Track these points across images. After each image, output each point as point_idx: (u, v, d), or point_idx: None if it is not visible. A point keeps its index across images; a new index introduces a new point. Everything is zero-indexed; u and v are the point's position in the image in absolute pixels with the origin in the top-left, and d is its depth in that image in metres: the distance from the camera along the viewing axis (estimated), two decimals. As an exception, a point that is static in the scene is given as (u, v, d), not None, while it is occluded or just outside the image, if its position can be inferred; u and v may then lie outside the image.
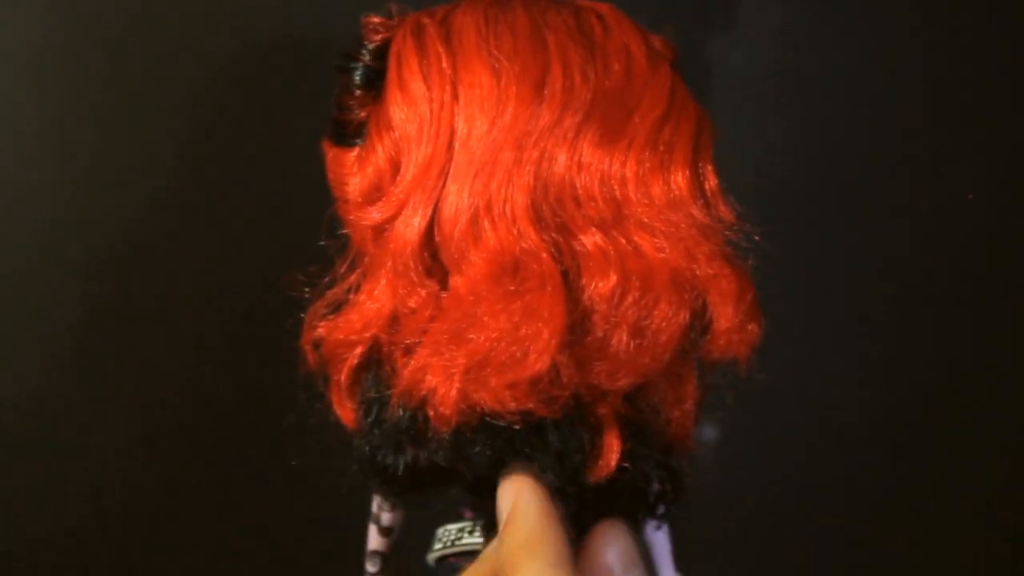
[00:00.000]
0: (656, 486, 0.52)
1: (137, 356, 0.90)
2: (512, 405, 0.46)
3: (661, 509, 0.53)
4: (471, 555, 0.59)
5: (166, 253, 0.88)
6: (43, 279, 0.89)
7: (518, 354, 0.46)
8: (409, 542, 0.63)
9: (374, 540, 0.63)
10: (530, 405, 0.46)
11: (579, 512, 0.51)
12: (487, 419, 0.47)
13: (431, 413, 0.48)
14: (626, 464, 0.50)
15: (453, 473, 0.50)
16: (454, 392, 0.47)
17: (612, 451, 0.49)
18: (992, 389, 0.94)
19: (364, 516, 0.63)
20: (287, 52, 0.85)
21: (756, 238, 0.51)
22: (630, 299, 0.48)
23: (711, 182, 0.52)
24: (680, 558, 0.64)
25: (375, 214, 0.51)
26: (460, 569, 0.59)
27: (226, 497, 0.92)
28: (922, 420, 0.94)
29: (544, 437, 0.48)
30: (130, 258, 0.89)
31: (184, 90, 0.86)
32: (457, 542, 0.59)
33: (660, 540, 0.63)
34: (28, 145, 0.87)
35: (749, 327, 0.51)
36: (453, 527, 0.60)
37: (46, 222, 0.88)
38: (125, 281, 0.89)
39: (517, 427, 0.47)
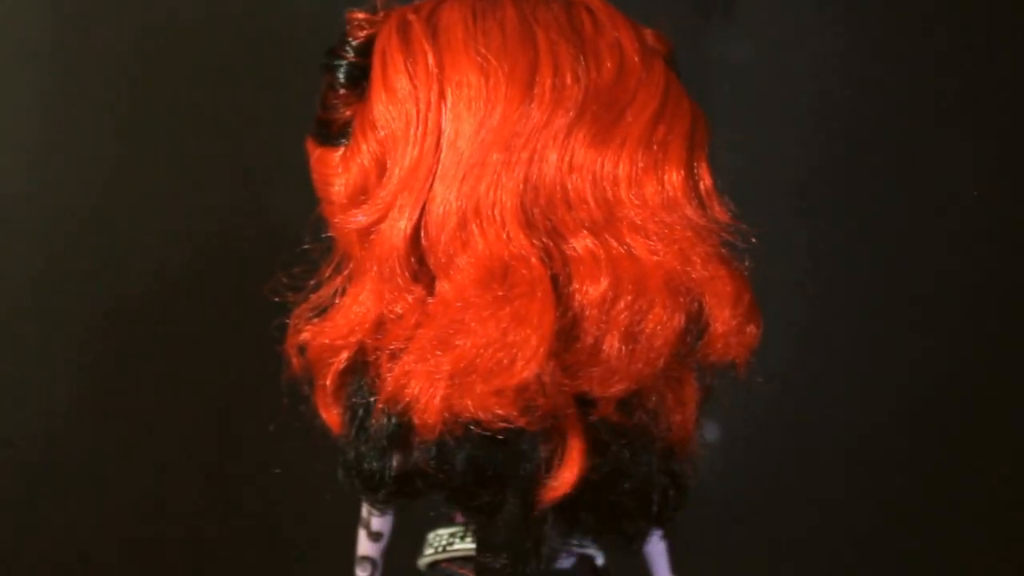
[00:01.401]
0: (658, 494, 0.52)
1: (119, 360, 0.89)
2: (497, 411, 0.45)
3: (666, 517, 0.53)
4: (463, 560, 0.58)
5: (146, 255, 0.88)
6: (35, 285, 0.88)
7: (505, 360, 0.45)
8: (399, 547, 0.63)
9: (364, 545, 0.62)
10: (513, 412, 0.45)
11: (587, 523, 0.50)
12: (471, 428, 0.47)
13: (416, 420, 0.47)
14: (620, 474, 0.49)
15: (439, 480, 0.50)
16: (437, 399, 0.46)
17: (574, 464, 0.48)
18: (996, 389, 0.94)
19: (353, 521, 0.63)
20: (271, 49, 0.84)
21: (753, 239, 0.50)
22: (622, 304, 0.47)
23: (706, 182, 0.51)
24: (677, 561, 0.63)
25: (360, 217, 0.49)
26: (451, 575, 0.58)
27: (212, 503, 0.91)
28: (924, 420, 0.94)
29: (519, 447, 0.48)
30: (109, 260, 0.88)
31: (168, 92, 0.86)
32: (448, 547, 0.58)
33: (657, 544, 0.62)
34: (24, 150, 0.86)
35: (748, 329, 0.49)
36: (444, 532, 0.59)
37: (36, 224, 0.87)
38: (104, 284, 0.88)
39: (500, 436, 0.47)
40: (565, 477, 0.48)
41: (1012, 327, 0.93)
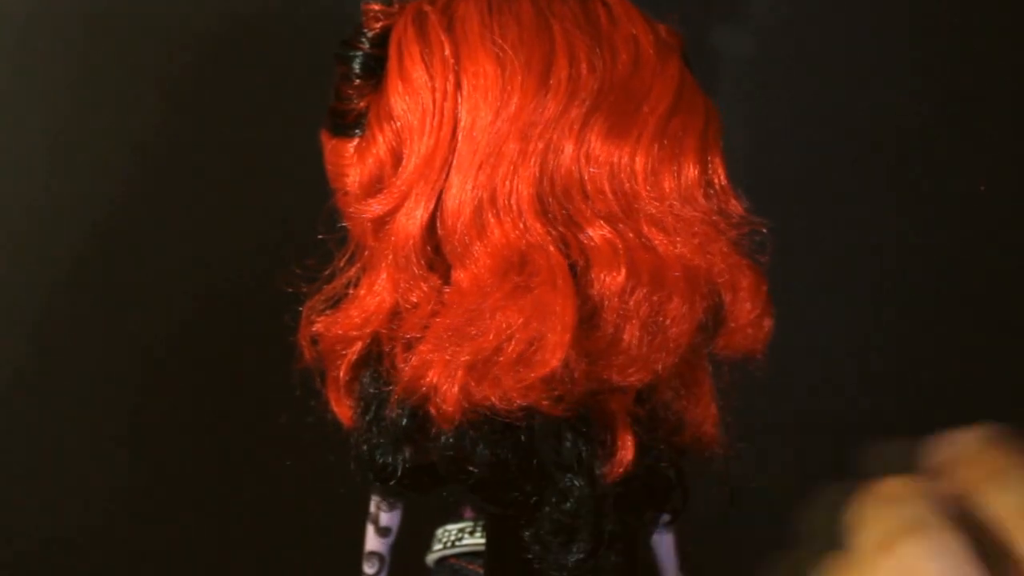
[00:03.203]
0: (673, 487, 0.52)
1: (128, 352, 0.89)
2: (520, 403, 0.45)
3: (671, 512, 0.53)
4: (471, 556, 0.58)
5: (158, 245, 0.87)
6: (35, 272, 0.87)
7: (529, 351, 0.45)
8: (408, 543, 0.62)
9: (372, 541, 0.62)
10: (542, 404, 0.45)
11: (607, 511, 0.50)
12: (492, 417, 0.47)
13: (433, 411, 0.47)
14: (640, 464, 0.49)
15: (456, 473, 0.49)
16: (456, 389, 0.46)
17: (626, 448, 0.48)
18: (1000, 389, 0.94)
19: (362, 516, 0.62)
20: (284, 40, 0.84)
21: (764, 230, 0.51)
22: (641, 294, 0.47)
23: (721, 175, 0.51)
24: (685, 558, 0.63)
25: (376, 206, 0.49)
26: (460, 570, 0.58)
27: (219, 496, 0.91)
28: (928, 420, 0.93)
29: (560, 436, 0.47)
30: (121, 251, 0.87)
31: (178, 79, 0.85)
32: (457, 543, 0.58)
33: (665, 541, 0.62)
34: (10, 136, 0.86)
35: (764, 322, 0.50)
36: (453, 527, 0.59)
37: (37, 210, 0.87)
38: (117, 275, 0.88)
39: (522, 425, 0.47)
40: (621, 457, 0.48)
41: (1017, 327, 0.93)
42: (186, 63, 0.86)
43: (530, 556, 0.50)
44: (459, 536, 0.58)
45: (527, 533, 0.49)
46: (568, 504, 0.48)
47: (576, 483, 0.47)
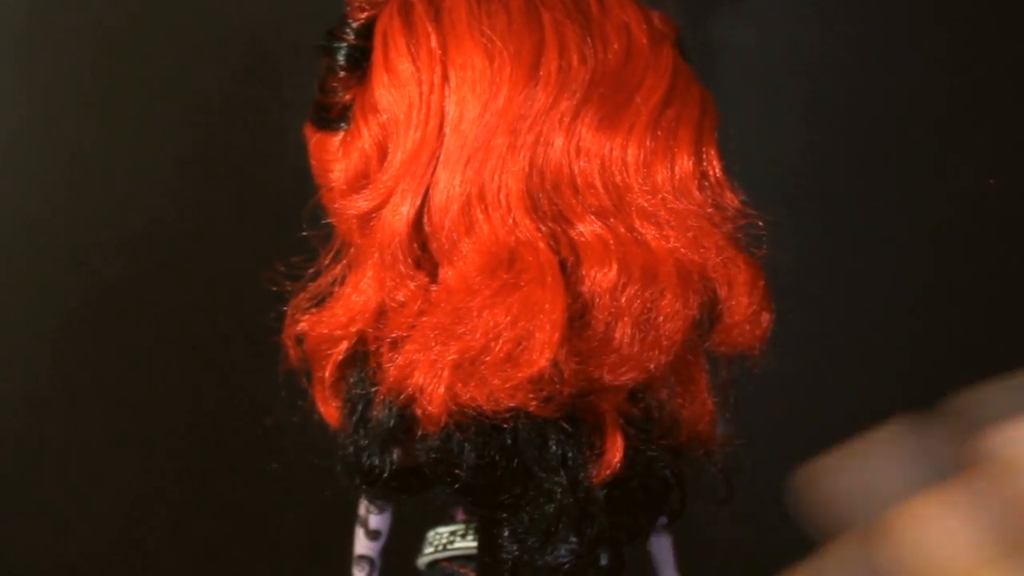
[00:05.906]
0: (672, 487, 0.51)
1: (111, 353, 0.88)
2: (508, 404, 0.44)
3: (667, 514, 0.52)
4: (463, 559, 0.57)
5: (142, 246, 0.86)
6: (21, 274, 0.87)
7: (517, 350, 0.44)
8: (398, 546, 0.61)
9: (361, 544, 0.61)
10: (530, 405, 0.44)
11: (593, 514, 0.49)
12: (478, 419, 0.46)
13: (418, 412, 0.46)
14: (635, 464, 0.48)
15: (442, 475, 0.48)
16: (442, 389, 0.45)
17: (615, 450, 0.47)
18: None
19: (351, 519, 0.61)
20: (266, 32, 0.83)
21: (761, 224, 0.50)
22: (632, 290, 0.46)
23: (716, 168, 0.50)
24: (683, 560, 0.62)
25: (361, 202, 0.49)
26: (452, 574, 0.57)
27: (205, 500, 0.90)
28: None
29: (545, 438, 0.46)
30: (106, 251, 0.87)
31: (160, 76, 0.84)
32: (449, 546, 0.57)
33: (662, 543, 0.61)
34: (12, 137, 0.85)
35: (762, 317, 0.49)
36: (444, 530, 0.58)
37: (26, 215, 0.86)
38: (102, 275, 0.87)
39: (509, 426, 0.46)
40: (608, 459, 0.47)
41: (1018, 326, 0.92)
42: (166, 60, 0.85)
43: (525, 558, 0.49)
44: (451, 539, 0.58)
45: (506, 532, 0.49)
46: (550, 506, 0.47)
47: (559, 485, 0.46)
